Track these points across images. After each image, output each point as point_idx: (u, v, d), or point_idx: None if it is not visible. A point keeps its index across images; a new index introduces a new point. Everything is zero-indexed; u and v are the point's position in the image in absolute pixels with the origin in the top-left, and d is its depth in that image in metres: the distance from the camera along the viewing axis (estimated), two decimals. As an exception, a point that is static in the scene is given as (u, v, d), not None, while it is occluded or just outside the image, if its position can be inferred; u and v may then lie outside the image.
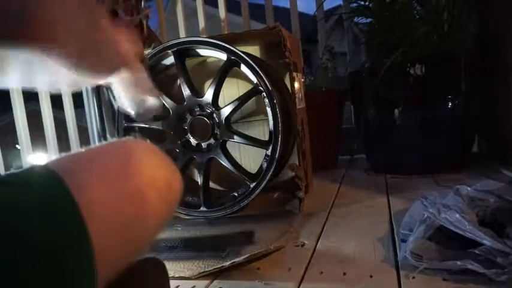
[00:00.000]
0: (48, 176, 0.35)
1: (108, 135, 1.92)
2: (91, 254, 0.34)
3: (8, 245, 0.30)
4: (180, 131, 1.19)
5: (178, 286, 0.78)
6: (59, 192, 0.34)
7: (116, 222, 0.38)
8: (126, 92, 0.64)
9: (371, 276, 0.72)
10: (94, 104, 1.83)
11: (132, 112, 0.67)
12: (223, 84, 1.15)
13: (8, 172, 0.36)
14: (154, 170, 0.43)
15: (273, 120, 1.09)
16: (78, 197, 0.34)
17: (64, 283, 0.32)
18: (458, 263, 0.67)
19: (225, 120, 1.14)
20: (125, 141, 0.46)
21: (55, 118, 2.14)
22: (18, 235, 0.30)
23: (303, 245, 0.91)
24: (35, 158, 2.15)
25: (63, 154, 0.40)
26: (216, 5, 2.18)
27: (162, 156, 0.46)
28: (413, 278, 0.69)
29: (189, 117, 1.19)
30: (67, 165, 0.38)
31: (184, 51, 1.17)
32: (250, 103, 1.27)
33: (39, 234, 0.31)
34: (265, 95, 1.09)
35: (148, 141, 0.47)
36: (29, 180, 0.35)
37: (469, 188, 0.86)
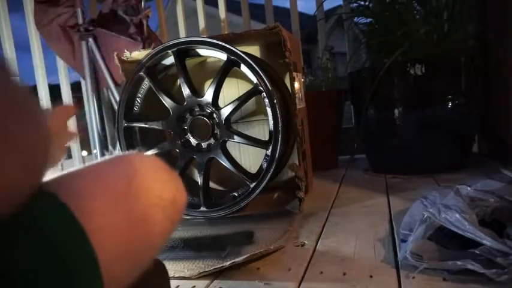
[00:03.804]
0: (51, 202, 0.34)
1: (108, 136, 1.91)
2: (101, 283, 0.33)
3: (15, 275, 0.29)
4: (180, 131, 1.19)
5: (178, 286, 0.78)
6: (67, 221, 0.33)
7: (122, 247, 0.37)
8: None
9: (371, 276, 0.72)
10: (94, 104, 1.83)
11: None
12: (223, 84, 1.15)
13: None
14: (160, 189, 0.42)
15: (273, 120, 1.09)
16: (85, 224, 0.33)
17: None
18: (458, 263, 0.67)
19: (225, 120, 1.14)
20: (128, 157, 0.45)
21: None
22: (24, 266, 0.30)
23: (303, 245, 0.91)
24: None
25: (65, 171, 0.39)
26: (216, 5, 2.18)
27: (167, 171, 0.45)
28: (413, 278, 0.69)
29: (189, 117, 1.19)
30: (71, 186, 0.37)
31: (184, 51, 1.17)
32: (250, 103, 1.27)
33: (46, 265, 0.31)
34: (265, 95, 1.09)
35: (152, 152, 0.46)
36: (30, 206, 0.33)
37: (469, 188, 0.86)
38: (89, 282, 0.33)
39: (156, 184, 0.42)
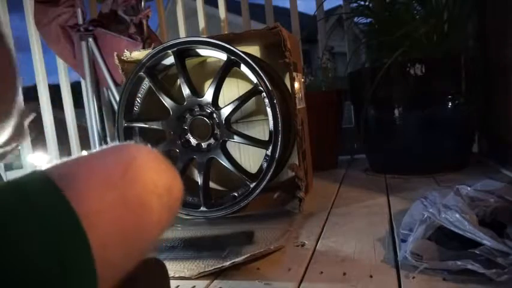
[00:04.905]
0: (46, 185, 0.34)
1: (108, 136, 1.91)
2: (93, 266, 0.33)
3: (4, 259, 0.29)
4: (180, 131, 1.19)
5: (178, 286, 0.78)
6: (58, 202, 0.33)
7: (117, 233, 0.37)
8: None
9: (371, 276, 0.72)
10: (94, 104, 1.83)
11: None
12: (223, 84, 1.15)
13: (4, 181, 0.35)
14: (156, 177, 0.42)
15: (273, 120, 1.09)
16: (78, 207, 0.33)
17: None
18: (458, 263, 0.67)
19: (225, 120, 1.14)
20: (126, 146, 0.45)
21: (55, 118, 2.14)
22: (15, 248, 0.30)
23: (303, 245, 0.91)
24: (35, 158, 2.15)
25: (63, 159, 0.39)
26: (216, 5, 2.18)
27: (163, 161, 0.45)
28: (413, 278, 0.69)
29: (189, 117, 1.19)
30: (66, 172, 0.37)
31: (184, 51, 1.17)
32: (250, 103, 1.27)
33: (37, 247, 0.31)
34: (265, 95, 1.09)
35: (149, 145, 0.46)
36: (26, 190, 0.34)
37: (469, 188, 0.86)
38: (79, 262, 0.33)
39: (152, 172, 0.42)
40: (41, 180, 0.35)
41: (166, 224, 0.45)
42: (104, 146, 0.45)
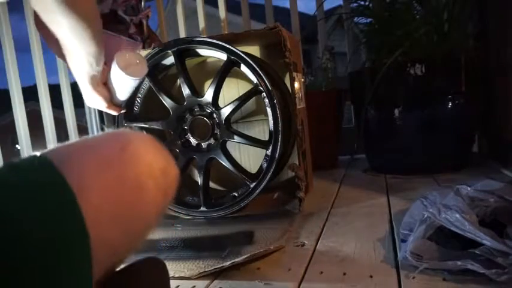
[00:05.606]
0: (40, 161, 0.35)
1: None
2: (86, 239, 0.33)
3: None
4: (180, 131, 1.19)
5: (178, 286, 0.78)
6: (51, 175, 0.34)
7: (113, 211, 0.37)
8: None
9: (371, 276, 0.72)
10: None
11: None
12: (223, 84, 1.15)
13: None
14: (151, 159, 0.43)
15: (273, 120, 1.09)
16: (72, 183, 0.34)
17: (57, 272, 0.32)
18: (458, 263, 0.67)
19: (225, 120, 1.14)
20: (122, 131, 0.46)
21: (55, 118, 2.14)
22: (6, 220, 0.30)
23: (303, 245, 0.91)
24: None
25: (61, 144, 0.40)
26: (216, 5, 2.18)
27: (158, 146, 0.47)
28: (413, 278, 0.69)
29: (189, 117, 1.19)
30: (63, 152, 0.38)
31: (184, 51, 1.17)
32: (250, 103, 1.27)
33: (32, 219, 0.31)
34: (265, 95, 1.09)
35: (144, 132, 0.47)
36: (20, 166, 0.35)
37: (469, 188, 0.86)
38: (72, 234, 0.33)
39: (147, 154, 0.43)
40: (37, 159, 0.35)
41: (162, 207, 0.46)
42: (101, 132, 0.46)
